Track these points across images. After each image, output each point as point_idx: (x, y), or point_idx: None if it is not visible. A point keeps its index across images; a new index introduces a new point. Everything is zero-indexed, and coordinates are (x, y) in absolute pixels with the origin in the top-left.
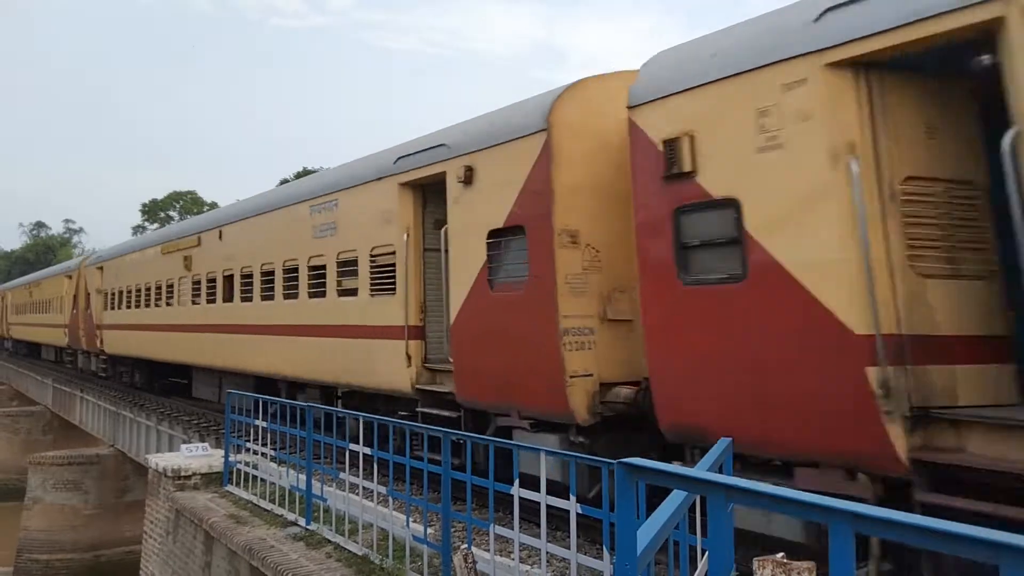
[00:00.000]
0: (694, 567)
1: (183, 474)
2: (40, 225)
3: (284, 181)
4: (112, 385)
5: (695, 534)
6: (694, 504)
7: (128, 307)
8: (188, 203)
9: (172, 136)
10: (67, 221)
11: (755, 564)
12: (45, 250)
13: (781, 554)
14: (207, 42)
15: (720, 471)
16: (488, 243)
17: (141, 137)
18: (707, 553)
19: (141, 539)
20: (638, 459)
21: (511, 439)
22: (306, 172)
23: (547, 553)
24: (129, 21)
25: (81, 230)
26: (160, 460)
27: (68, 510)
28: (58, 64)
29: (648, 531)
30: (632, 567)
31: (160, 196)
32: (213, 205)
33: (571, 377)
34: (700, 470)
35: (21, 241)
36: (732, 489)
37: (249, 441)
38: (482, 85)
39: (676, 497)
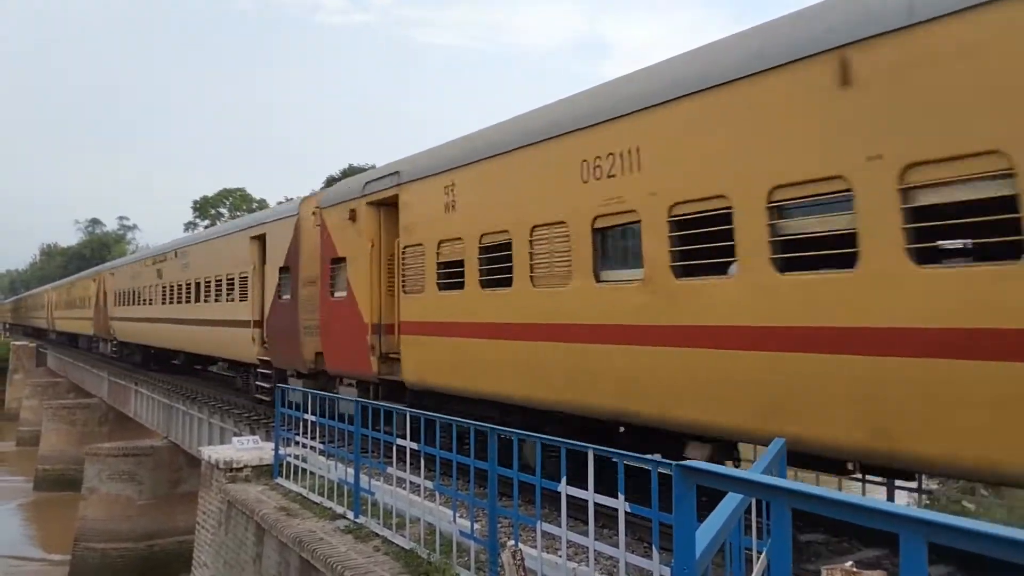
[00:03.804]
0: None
1: (235, 466)
2: (95, 222)
3: (331, 179)
4: (165, 379)
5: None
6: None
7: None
8: (237, 200)
9: (220, 134)
10: (121, 218)
11: (823, 573)
12: (100, 246)
13: (850, 563)
14: (250, 41)
15: (775, 472)
16: None
17: (190, 135)
18: (763, 555)
19: (194, 529)
20: (696, 462)
21: None
22: (352, 169)
23: (595, 551)
24: (175, 23)
25: (135, 227)
26: (212, 452)
27: (123, 500)
28: (109, 66)
29: (706, 533)
30: (691, 571)
31: (210, 193)
32: (262, 203)
33: None
34: (756, 472)
35: (77, 238)
36: (795, 494)
37: (298, 435)
38: (523, 79)
39: (732, 499)
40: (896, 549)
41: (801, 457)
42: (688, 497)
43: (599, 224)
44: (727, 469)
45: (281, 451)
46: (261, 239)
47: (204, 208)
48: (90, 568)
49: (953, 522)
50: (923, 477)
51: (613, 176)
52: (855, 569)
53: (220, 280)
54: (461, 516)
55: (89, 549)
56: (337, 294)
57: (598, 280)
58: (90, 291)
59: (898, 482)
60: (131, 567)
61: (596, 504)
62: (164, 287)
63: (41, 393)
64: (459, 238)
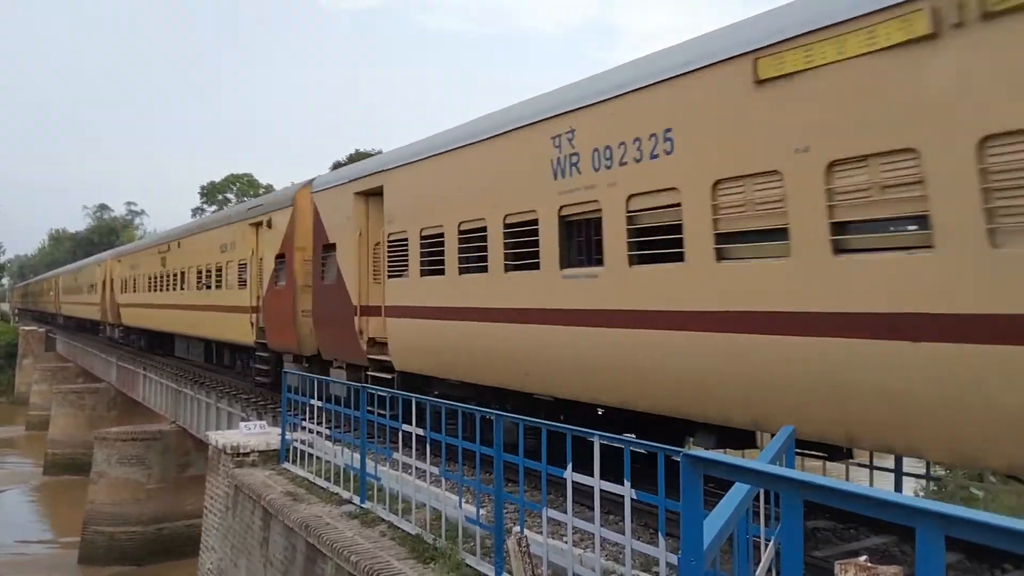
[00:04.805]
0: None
1: (242, 451)
2: (103, 207)
3: (337, 164)
4: (173, 363)
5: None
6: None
7: None
8: (245, 185)
9: (227, 120)
10: (129, 203)
11: (837, 568)
12: (108, 232)
13: (864, 557)
14: (255, 27)
15: (783, 461)
16: None
17: (199, 121)
18: (771, 543)
19: (202, 513)
20: (704, 451)
21: None
22: (359, 155)
23: (600, 538)
24: (178, 8)
25: (143, 212)
26: (220, 437)
27: (132, 484)
28: (115, 51)
29: (714, 523)
30: (699, 562)
31: (218, 179)
32: (268, 188)
33: None
34: (763, 462)
35: (85, 223)
36: (807, 486)
37: (305, 420)
38: (535, 65)
39: (740, 488)
40: (904, 536)
41: None
42: (695, 486)
43: None
44: (737, 459)
45: (288, 436)
46: None
47: (212, 193)
48: (99, 551)
49: (971, 515)
50: (930, 465)
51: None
52: (869, 564)
53: None
54: (467, 502)
55: (98, 532)
56: None
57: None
58: (236, 252)
59: (906, 468)
60: (140, 550)
61: (602, 490)
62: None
63: (50, 378)
64: None
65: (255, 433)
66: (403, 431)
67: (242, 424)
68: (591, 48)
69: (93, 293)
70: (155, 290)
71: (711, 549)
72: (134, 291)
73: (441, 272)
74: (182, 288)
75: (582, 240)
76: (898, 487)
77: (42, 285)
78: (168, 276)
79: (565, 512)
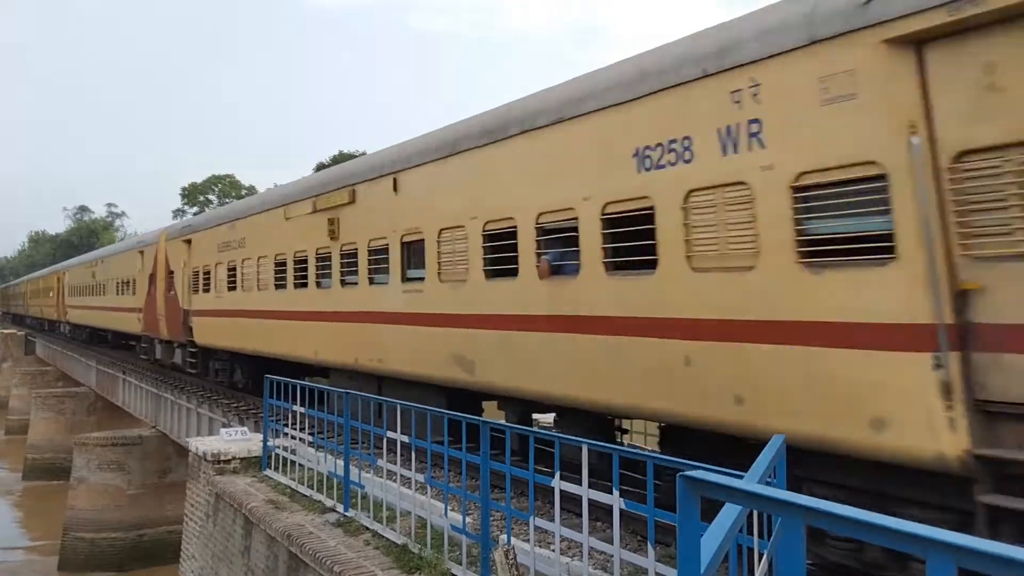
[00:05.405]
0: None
1: (223, 458)
2: (83, 209)
3: (321, 166)
4: (153, 367)
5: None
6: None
7: None
8: (227, 187)
9: (209, 121)
10: (109, 205)
11: None
12: (88, 233)
13: None
14: (242, 24)
15: (774, 475)
16: None
17: (179, 122)
18: (764, 556)
19: (183, 520)
20: (700, 472)
21: None
22: (343, 156)
23: (588, 547)
24: (159, 6)
25: (123, 214)
26: (200, 444)
27: (112, 490)
28: (98, 50)
29: (711, 542)
30: None
31: (199, 180)
32: (251, 189)
33: None
34: (755, 478)
35: (65, 224)
36: (811, 511)
37: (287, 426)
38: (523, 65)
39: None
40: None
41: None
42: (693, 508)
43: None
44: (737, 481)
45: (270, 443)
46: None
47: (192, 194)
48: (80, 557)
49: (987, 547)
50: None
51: None
52: None
53: None
54: (453, 510)
55: (79, 539)
56: None
57: None
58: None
59: None
60: (120, 556)
61: (590, 499)
62: None
63: (30, 381)
64: None
65: (236, 439)
66: (387, 437)
67: (223, 430)
68: (583, 48)
69: (127, 294)
70: (296, 286)
71: (708, 572)
72: (228, 289)
73: None
74: (417, 278)
75: None
76: None
77: (37, 284)
78: (343, 259)
79: (553, 520)
